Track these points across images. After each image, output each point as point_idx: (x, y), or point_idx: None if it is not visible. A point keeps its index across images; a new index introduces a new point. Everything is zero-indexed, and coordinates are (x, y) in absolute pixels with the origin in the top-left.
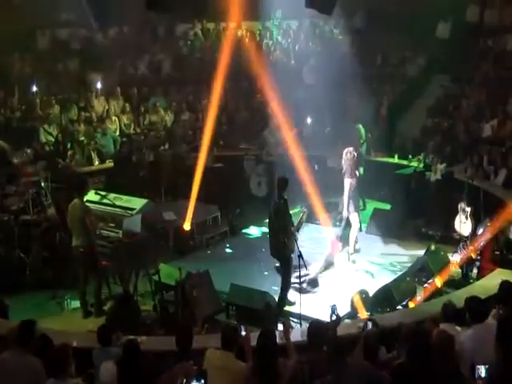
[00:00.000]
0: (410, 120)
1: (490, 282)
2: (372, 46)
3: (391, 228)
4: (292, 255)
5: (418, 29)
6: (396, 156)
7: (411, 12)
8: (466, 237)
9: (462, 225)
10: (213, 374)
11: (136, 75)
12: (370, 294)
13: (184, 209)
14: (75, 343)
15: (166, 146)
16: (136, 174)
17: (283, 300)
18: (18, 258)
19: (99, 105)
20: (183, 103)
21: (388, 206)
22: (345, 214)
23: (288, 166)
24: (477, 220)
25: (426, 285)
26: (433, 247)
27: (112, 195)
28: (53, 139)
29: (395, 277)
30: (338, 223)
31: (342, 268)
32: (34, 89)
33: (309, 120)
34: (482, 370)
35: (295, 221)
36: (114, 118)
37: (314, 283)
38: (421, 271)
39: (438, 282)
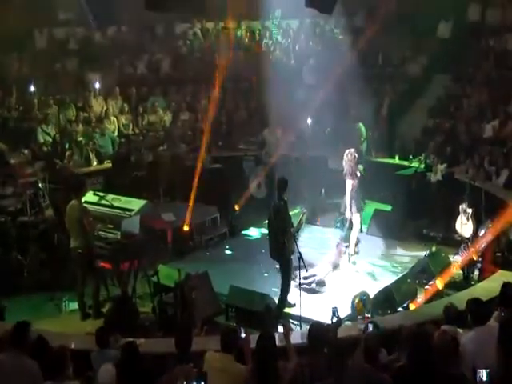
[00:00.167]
0: (410, 120)
1: (492, 284)
2: (373, 46)
3: (392, 229)
4: (292, 257)
5: (418, 28)
6: (397, 157)
7: (412, 11)
8: (468, 238)
9: (464, 226)
10: (212, 376)
11: (135, 75)
12: (371, 296)
13: (183, 210)
14: (73, 345)
15: (165, 147)
16: (134, 174)
17: (283, 302)
18: (15, 260)
19: (97, 105)
20: (182, 103)
21: (389, 207)
22: (348, 215)
23: (288, 166)
24: (478, 221)
25: (427, 286)
26: (434, 248)
27: (110, 196)
28: (50, 139)
29: (396, 278)
30: (338, 224)
31: (343, 270)
32: (32, 89)
33: (309, 120)
34: (483, 374)
35: (295, 222)
36: (112, 118)
37: (321, 284)
38: (422, 273)
39: (439, 283)
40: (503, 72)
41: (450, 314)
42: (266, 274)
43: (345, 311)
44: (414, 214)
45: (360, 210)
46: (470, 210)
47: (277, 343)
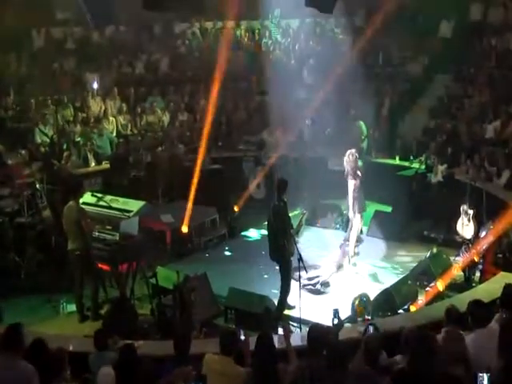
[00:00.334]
0: (411, 121)
1: (493, 286)
2: (373, 46)
3: (392, 230)
4: (292, 258)
5: (419, 28)
6: (397, 157)
7: (413, 11)
8: (469, 239)
9: (465, 227)
10: (212, 378)
11: (133, 75)
12: (371, 298)
13: (182, 211)
14: (71, 347)
15: (164, 147)
16: (133, 175)
17: (283, 304)
18: (12, 261)
19: (95, 105)
20: (181, 103)
21: (389, 208)
22: (351, 215)
23: (287, 167)
24: (479, 222)
25: (427, 288)
26: (435, 250)
27: (108, 197)
28: (48, 140)
29: (396, 280)
30: (338, 225)
31: (343, 271)
32: (30, 89)
33: (309, 121)
34: (484, 378)
35: (295, 223)
36: (111, 118)
37: (326, 285)
38: (422, 274)
39: (440, 285)
40: (505, 72)
41: (451, 316)
42: (265, 276)
43: (345, 313)
44: (415, 215)
45: (362, 210)
46: (471, 211)
47: (277, 345)
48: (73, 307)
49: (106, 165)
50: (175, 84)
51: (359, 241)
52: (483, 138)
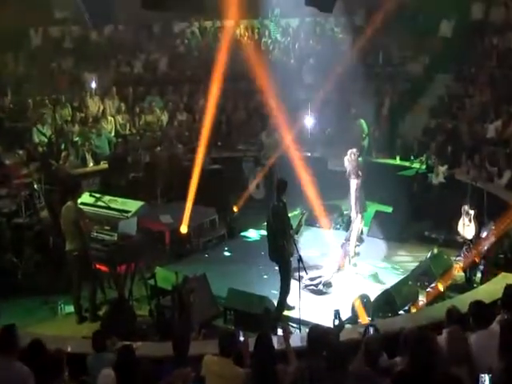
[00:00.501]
0: (412, 120)
1: (494, 287)
2: (373, 45)
3: (393, 231)
4: (291, 259)
5: (420, 27)
6: (398, 157)
7: (413, 10)
8: (470, 240)
9: (466, 228)
10: (211, 380)
11: (132, 74)
12: (372, 299)
13: (181, 211)
14: (69, 349)
15: (162, 147)
16: (131, 175)
17: (282, 304)
18: (10, 262)
19: (94, 105)
20: (180, 103)
21: (390, 209)
22: (353, 215)
23: (287, 167)
24: (480, 223)
25: (428, 289)
26: (435, 250)
27: (107, 197)
28: (46, 140)
29: (397, 281)
30: (338, 226)
31: (344, 272)
32: (27, 88)
33: (308, 121)
34: (485, 379)
35: (294, 224)
36: (109, 118)
37: (328, 285)
38: (423, 275)
39: (441, 286)
40: (506, 71)
41: (452, 317)
42: (265, 276)
43: (345, 314)
44: (416, 216)
45: (363, 210)
46: (472, 212)
47: (276, 346)
48: (71, 308)
49: (104, 165)
50: (174, 83)
51: (360, 241)
52: (484, 137)
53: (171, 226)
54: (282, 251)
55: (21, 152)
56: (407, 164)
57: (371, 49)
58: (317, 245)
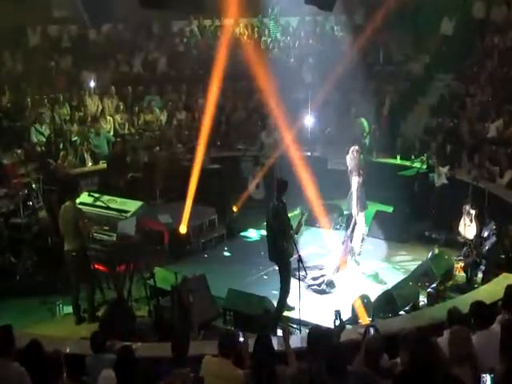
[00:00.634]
0: (412, 120)
1: (496, 287)
2: (374, 44)
3: (393, 231)
4: (291, 259)
5: (421, 26)
6: (398, 157)
7: (414, 9)
8: (471, 240)
9: (467, 228)
10: (210, 381)
11: (130, 73)
12: (372, 299)
13: (180, 211)
14: (68, 350)
15: (161, 147)
16: (130, 175)
17: (282, 305)
18: (8, 262)
19: (92, 104)
20: (179, 102)
21: (390, 209)
22: (353, 212)
23: (287, 167)
24: (482, 223)
25: (429, 289)
26: (436, 251)
27: (106, 197)
28: (44, 139)
29: (398, 281)
30: (338, 226)
31: (346, 270)
32: (26, 87)
33: (308, 120)
34: (487, 379)
35: (294, 224)
36: (108, 117)
37: (331, 284)
38: (424, 275)
39: (442, 286)
40: (507, 70)
41: (453, 318)
42: (265, 277)
43: (345, 314)
44: (416, 216)
45: (364, 208)
46: (473, 212)
47: (276, 347)
48: (69, 309)
49: (103, 165)
50: (173, 83)
51: (361, 241)
52: (485, 137)
53: (170, 226)
54: (281, 251)
55: (19, 151)
56: (408, 164)
57: (371, 48)
58: (317, 245)
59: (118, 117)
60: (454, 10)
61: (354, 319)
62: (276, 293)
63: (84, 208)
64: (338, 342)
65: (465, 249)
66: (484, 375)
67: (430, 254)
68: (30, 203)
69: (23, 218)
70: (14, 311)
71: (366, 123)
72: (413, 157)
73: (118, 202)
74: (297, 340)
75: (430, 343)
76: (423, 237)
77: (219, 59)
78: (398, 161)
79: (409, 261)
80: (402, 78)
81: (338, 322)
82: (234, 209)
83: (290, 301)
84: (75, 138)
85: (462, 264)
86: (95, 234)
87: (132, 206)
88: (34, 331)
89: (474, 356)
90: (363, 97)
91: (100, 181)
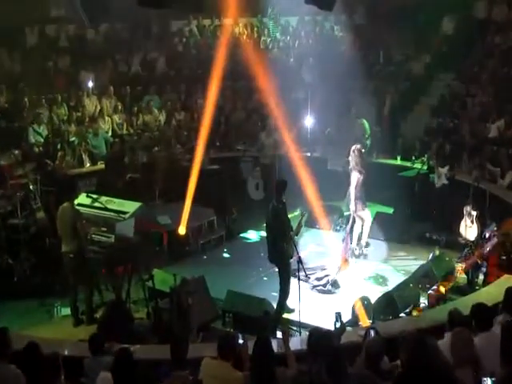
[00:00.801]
0: (413, 120)
1: (497, 289)
2: (374, 44)
3: (394, 232)
4: (291, 260)
5: (421, 26)
6: (399, 158)
7: (414, 8)
8: (472, 241)
9: (468, 229)
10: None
11: (129, 73)
12: (372, 301)
13: (179, 212)
14: (66, 352)
15: (160, 147)
16: (129, 175)
17: (282, 307)
18: (5, 263)
19: (91, 104)
20: (178, 102)
21: (391, 210)
22: (351, 207)
23: (286, 168)
24: (483, 224)
25: (430, 291)
26: (437, 252)
27: (104, 198)
28: (42, 140)
29: (398, 283)
30: (339, 227)
31: (347, 269)
32: (23, 87)
33: (308, 120)
34: (488, 382)
35: (294, 225)
36: (106, 117)
37: (336, 284)
38: (425, 277)
39: (443, 288)
40: (509, 70)
41: (454, 320)
42: (264, 278)
43: (345, 316)
44: (417, 217)
45: (364, 207)
46: (474, 213)
47: (276, 349)
48: (67, 311)
49: (101, 165)
50: (172, 83)
51: (360, 240)
52: (486, 137)
53: (169, 227)
54: (281, 253)
55: (16, 152)
56: (408, 164)
57: (372, 47)
58: (317, 246)
59: (116, 117)
60: (455, 10)
61: (355, 321)
62: (276, 294)
63: (82, 209)
64: (339, 344)
65: (466, 250)
66: (485, 378)
67: (431, 255)
68: (28, 204)
69: (21, 219)
70: (11, 313)
71: (367, 124)
72: (413, 157)
73: (116, 203)
74: (297, 342)
75: (428, 344)
76: (424, 238)
77: (218, 59)
78: (399, 161)
79: (409, 262)
80: (402, 78)
81: (338, 325)
82: (234, 210)
83: (290, 303)
84: (73, 139)
85: (463, 266)
86: (93, 236)
87: (130, 207)
88: (31, 333)
89: (476, 358)
90: (363, 97)
91: (98, 181)
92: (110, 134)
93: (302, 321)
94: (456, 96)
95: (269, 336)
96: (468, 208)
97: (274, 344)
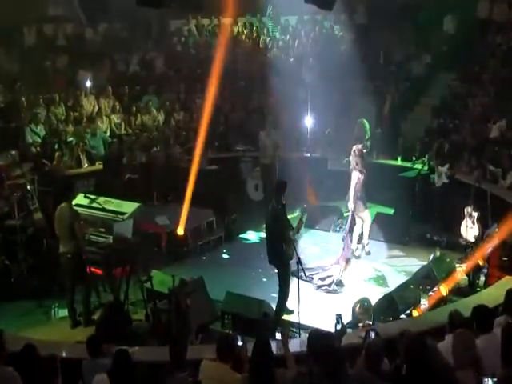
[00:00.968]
0: (413, 120)
1: (498, 291)
2: (374, 43)
3: (394, 233)
4: (290, 262)
5: (422, 25)
6: (399, 158)
7: (416, 7)
8: (473, 242)
9: (469, 230)
10: None
11: (127, 73)
12: (373, 303)
13: (177, 213)
14: (63, 354)
15: (159, 147)
16: (127, 176)
17: (281, 308)
18: (2, 265)
19: (88, 104)
20: (176, 102)
21: (391, 211)
22: (350, 206)
23: (286, 168)
24: (484, 225)
25: (430, 293)
26: (438, 253)
27: (102, 199)
28: (39, 140)
29: (398, 284)
30: (338, 228)
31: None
32: (21, 87)
33: (308, 120)
34: (489, 383)
35: (294, 224)
36: (104, 117)
37: (340, 284)
38: (425, 278)
39: (443, 289)
40: (510, 70)
41: (454, 321)
42: (264, 280)
43: (345, 318)
44: (418, 218)
45: (365, 208)
46: (475, 214)
47: (275, 351)
48: (65, 312)
49: (99, 165)
50: (171, 82)
51: (361, 240)
52: (488, 138)
53: (168, 227)
54: (281, 254)
55: (13, 152)
56: (409, 165)
57: (372, 47)
58: (317, 246)
59: (114, 117)
60: (456, 10)
61: (355, 323)
62: (275, 296)
63: (80, 210)
64: (339, 346)
65: (467, 251)
66: (486, 379)
67: (432, 256)
68: (25, 205)
69: (18, 219)
70: (8, 314)
71: (367, 125)
72: (414, 158)
73: (114, 204)
74: (296, 344)
75: (427, 345)
76: (424, 239)
77: (217, 59)
78: (399, 162)
79: (410, 263)
80: (402, 78)
81: (339, 326)
82: (233, 210)
83: (290, 304)
84: (71, 139)
85: (464, 267)
86: (91, 236)
87: (129, 207)
88: (29, 335)
89: (478, 360)
90: (363, 97)
91: (96, 182)
92: (108, 134)
93: (301, 322)
94: (456, 96)
95: (268, 337)
96: (469, 209)
97: (274, 346)
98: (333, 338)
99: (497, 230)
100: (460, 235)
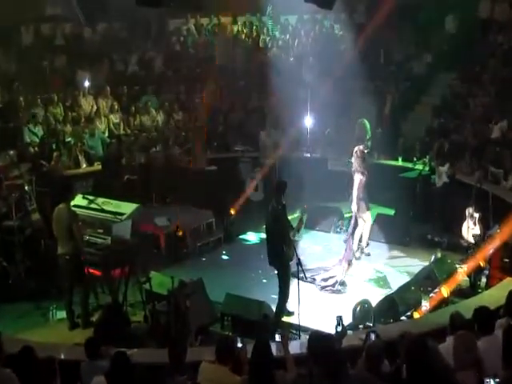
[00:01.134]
0: (414, 120)
1: (500, 292)
2: (374, 43)
3: (395, 234)
4: (290, 263)
5: (423, 25)
6: (400, 158)
7: (416, 7)
8: (474, 244)
9: (470, 231)
10: None
11: (126, 73)
12: (373, 304)
13: (176, 214)
14: (62, 356)
15: (158, 148)
16: (126, 177)
17: (281, 310)
18: (0, 267)
19: (87, 104)
20: (176, 103)
21: (392, 211)
22: (353, 208)
23: (286, 168)
24: (485, 226)
25: (431, 294)
26: (439, 255)
27: (100, 199)
28: (37, 140)
29: (399, 286)
30: (339, 229)
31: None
32: (18, 87)
33: (308, 121)
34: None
35: (294, 224)
36: (103, 117)
37: (343, 284)
38: (426, 280)
39: (445, 291)
40: (511, 70)
41: (455, 323)
42: (264, 281)
43: (346, 320)
44: (418, 219)
45: (367, 209)
46: (476, 215)
47: (275, 353)
48: (63, 314)
49: (98, 166)
50: (170, 82)
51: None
52: (489, 138)
53: (167, 228)
54: (281, 255)
55: (11, 152)
56: (410, 165)
57: (372, 47)
58: (317, 247)
59: (112, 117)
60: (457, 9)
61: (355, 325)
62: (275, 297)
63: (78, 210)
64: (339, 348)
65: (468, 252)
66: (488, 380)
67: (433, 257)
68: (23, 205)
69: (16, 220)
70: (6, 316)
71: (368, 126)
72: (415, 158)
73: (113, 205)
74: (296, 346)
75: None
76: (425, 240)
77: (217, 58)
78: (400, 162)
79: (411, 264)
80: (403, 78)
81: (339, 328)
82: (232, 211)
83: (290, 305)
84: (69, 139)
85: (465, 268)
86: (89, 238)
87: (127, 208)
88: (26, 337)
89: (479, 362)
90: (364, 97)
91: (95, 183)
92: (106, 134)
93: (301, 324)
94: (457, 96)
95: (268, 339)
96: (470, 210)
97: (273, 347)
98: (333, 339)
99: (498, 231)
100: (461, 236)
